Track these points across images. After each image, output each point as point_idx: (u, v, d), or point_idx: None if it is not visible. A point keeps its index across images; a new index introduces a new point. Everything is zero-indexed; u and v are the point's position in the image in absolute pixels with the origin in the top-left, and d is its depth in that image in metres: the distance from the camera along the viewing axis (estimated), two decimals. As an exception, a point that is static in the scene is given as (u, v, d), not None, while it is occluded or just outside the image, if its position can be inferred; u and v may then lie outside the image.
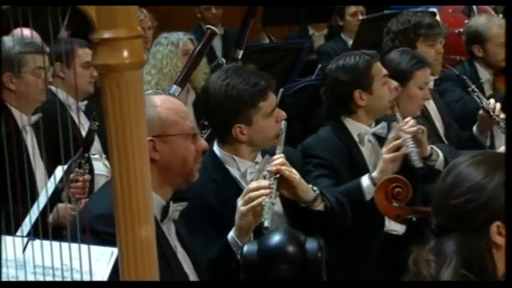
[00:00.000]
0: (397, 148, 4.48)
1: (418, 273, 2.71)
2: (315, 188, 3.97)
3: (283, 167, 3.84)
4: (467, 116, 5.84)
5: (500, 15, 7.02)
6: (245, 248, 2.35)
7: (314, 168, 4.56)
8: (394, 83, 4.83)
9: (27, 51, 4.74)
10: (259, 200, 3.63)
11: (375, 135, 4.75)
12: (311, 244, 2.29)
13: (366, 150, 4.74)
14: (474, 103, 5.74)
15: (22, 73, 4.77)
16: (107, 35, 1.91)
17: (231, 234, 3.65)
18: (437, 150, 4.65)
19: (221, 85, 3.99)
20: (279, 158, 3.89)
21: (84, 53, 5.38)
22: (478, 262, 2.63)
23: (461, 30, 6.74)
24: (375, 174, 4.43)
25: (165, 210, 3.40)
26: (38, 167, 4.63)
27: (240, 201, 3.65)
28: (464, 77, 5.97)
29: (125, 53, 1.92)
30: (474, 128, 5.72)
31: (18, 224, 3.58)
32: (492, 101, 5.63)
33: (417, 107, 5.21)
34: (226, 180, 4.00)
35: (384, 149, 4.50)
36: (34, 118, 4.80)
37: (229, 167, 4.04)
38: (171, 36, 6.25)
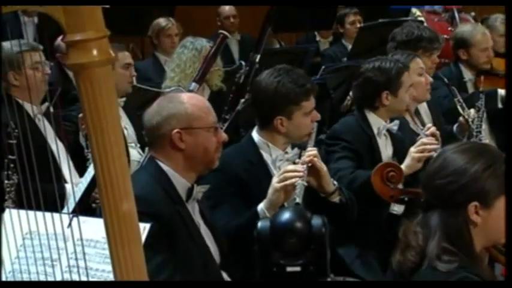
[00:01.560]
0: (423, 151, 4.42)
1: (407, 242, 2.71)
2: (335, 183, 4.00)
3: (315, 158, 3.87)
4: (452, 111, 5.80)
5: (479, 24, 6.85)
6: (259, 224, 2.34)
7: (340, 149, 4.63)
8: (414, 92, 4.90)
9: (24, 50, 4.70)
10: (293, 180, 3.68)
11: (388, 130, 4.77)
12: (316, 221, 2.29)
13: (381, 142, 4.74)
14: (450, 104, 5.84)
15: (22, 69, 4.75)
16: (77, 37, 1.87)
17: (261, 206, 3.72)
18: None
19: (273, 81, 4.05)
20: (313, 150, 3.93)
21: (123, 56, 5.45)
22: (457, 236, 2.63)
23: (445, 36, 6.68)
24: (402, 167, 4.33)
25: (189, 192, 3.42)
26: (55, 147, 4.60)
27: (275, 179, 3.72)
28: (453, 87, 5.91)
29: (94, 52, 1.88)
30: (454, 128, 5.72)
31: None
32: (472, 111, 5.63)
33: (426, 91, 5.21)
34: (259, 163, 4.03)
35: (413, 149, 4.46)
36: (43, 107, 4.79)
37: (263, 152, 4.07)
38: (196, 42, 6.25)
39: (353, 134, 4.70)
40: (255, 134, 4.10)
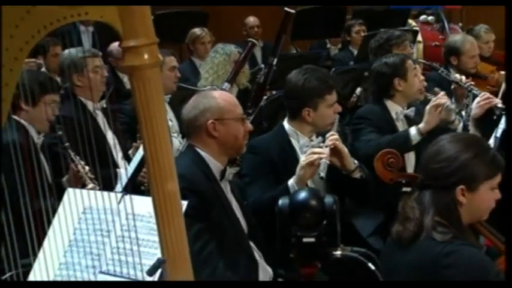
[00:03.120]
0: (438, 106, 4.51)
1: (406, 215, 2.71)
2: (355, 161, 4.01)
3: (337, 142, 3.89)
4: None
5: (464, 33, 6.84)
6: (280, 202, 2.33)
7: (366, 126, 4.67)
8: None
9: (87, 56, 4.80)
10: (317, 157, 3.72)
11: (405, 116, 4.77)
12: (328, 199, 2.29)
13: (400, 126, 4.73)
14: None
15: (85, 72, 4.79)
16: (131, 43, 1.88)
17: (291, 181, 3.75)
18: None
19: (301, 78, 4.09)
20: (334, 135, 3.96)
21: (170, 60, 5.46)
22: (447, 212, 2.65)
23: (437, 43, 6.63)
24: (421, 125, 4.50)
25: (223, 173, 3.44)
26: (110, 137, 4.67)
27: (302, 158, 3.77)
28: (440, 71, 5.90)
29: (146, 56, 1.89)
30: (452, 100, 5.52)
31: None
32: (458, 75, 5.63)
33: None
34: (289, 148, 4.05)
35: (430, 105, 4.57)
36: (101, 104, 4.86)
37: (292, 139, 4.10)
38: (226, 47, 6.26)
39: (376, 116, 4.72)
40: (285, 124, 4.12)
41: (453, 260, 2.54)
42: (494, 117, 4.80)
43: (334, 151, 3.89)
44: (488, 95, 5.05)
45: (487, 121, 4.89)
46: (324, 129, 4.09)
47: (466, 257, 2.55)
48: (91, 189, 3.84)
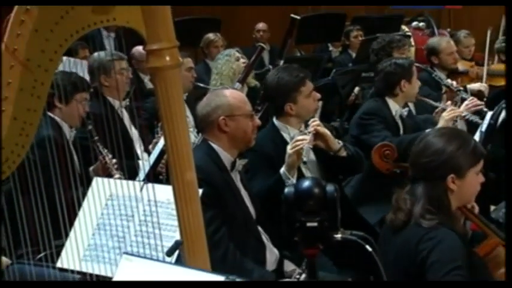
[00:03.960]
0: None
1: (398, 206, 2.71)
2: (340, 142, 3.99)
3: (318, 127, 3.88)
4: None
5: (448, 37, 6.81)
6: (285, 190, 2.33)
7: (377, 123, 4.61)
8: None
9: (114, 59, 4.79)
10: (301, 145, 3.70)
11: (401, 116, 4.75)
12: (330, 187, 2.27)
13: (399, 123, 4.72)
14: (435, 96, 5.68)
15: (112, 74, 4.79)
16: (154, 46, 1.87)
17: (282, 170, 3.71)
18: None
19: (274, 78, 4.03)
20: (315, 121, 3.94)
21: (187, 61, 5.43)
22: (437, 201, 2.65)
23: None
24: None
25: (233, 164, 3.43)
26: (133, 132, 4.68)
27: (288, 147, 3.73)
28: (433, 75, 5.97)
29: (167, 58, 1.91)
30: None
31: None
32: (449, 80, 5.69)
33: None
34: (281, 142, 3.95)
35: (447, 115, 4.61)
36: (125, 102, 4.90)
37: (283, 133, 4.02)
38: (225, 51, 6.26)
39: (384, 113, 4.68)
40: (275, 120, 4.07)
41: (429, 242, 2.54)
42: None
43: (318, 135, 3.87)
44: (475, 99, 5.08)
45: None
46: (310, 116, 4.02)
47: (440, 242, 2.54)
48: (117, 179, 3.88)
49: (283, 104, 3.97)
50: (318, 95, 4.10)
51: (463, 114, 4.67)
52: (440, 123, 4.51)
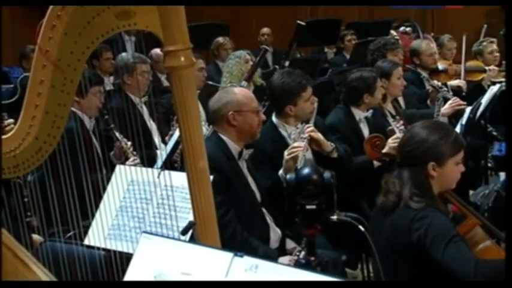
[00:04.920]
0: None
1: (388, 189, 2.70)
2: (332, 144, 3.98)
3: (312, 133, 3.87)
4: (419, 100, 5.74)
5: (428, 40, 6.81)
6: (288, 176, 2.33)
7: (337, 139, 4.36)
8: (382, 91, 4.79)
9: (137, 61, 4.81)
10: (296, 152, 3.65)
11: (366, 118, 4.62)
12: (327, 174, 2.28)
13: (363, 128, 4.58)
14: (422, 94, 5.81)
15: (134, 75, 4.78)
16: (171, 48, 1.87)
17: (280, 172, 3.67)
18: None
19: (280, 82, 4.02)
20: (310, 127, 3.92)
21: (198, 62, 5.43)
22: (421, 185, 2.64)
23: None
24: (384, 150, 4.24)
25: (240, 154, 3.42)
26: (151, 125, 4.67)
27: (286, 153, 3.67)
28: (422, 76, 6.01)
29: (182, 59, 1.90)
30: (428, 102, 5.67)
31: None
32: (435, 81, 5.67)
33: (399, 90, 5.10)
34: (279, 138, 3.96)
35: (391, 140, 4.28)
36: (144, 98, 4.88)
37: (281, 130, 4.01)
38: (237, 53, 6.20)
39: (343, 125, 4.55)
40: (274, 118, 4.05)
41: (422, 222, 2.54)
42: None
43: (312, 140, 3.88)
44: (458, 99, 5.09)
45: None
46: (306, 118, 4.01)
47: (433, 221, 2.54)
48: (133, 162, 3.90)
49: (284, 106, 3.97)
50: (315, 99, 4.09)
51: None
52: (387, 146, 4.13)
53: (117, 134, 4.05)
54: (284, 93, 3.97)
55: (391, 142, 4.04)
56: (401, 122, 4.62)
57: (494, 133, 5.47)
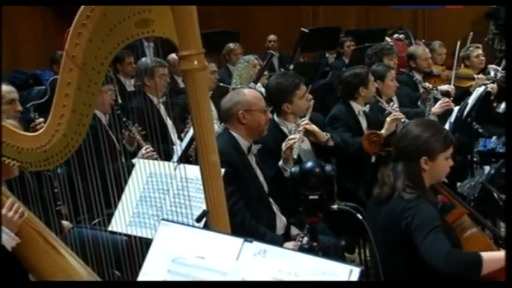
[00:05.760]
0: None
1: (383, 181, 2.68)
2: (327, 134, 3.98)
3: (307, 126, 3.87)
4: (411, 101, 5.72)
5: (423, 46, 6.74)
6: (292, 170, 2.30)
7: (340, 126, 4.45)
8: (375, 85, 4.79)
9: (156, 65, 4.80)
10: (292, 143, 3.66)
11: (364, 112, 4.62)
12: (328, 167, 2.25)
13: (362, 120, 4.57)
14: (414, 96, 5.79)
15: (154, 77, 4.79)
16: (185, 53, 1.85)
17: (280, 163, 3.67)
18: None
19: (275, 82, 4.02)
20: (304, 120, 3.91)
21: (211, 66, 5.42)
22: (414, 177, 2.62)
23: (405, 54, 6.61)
24: (383, 131, 4.33)
25: (249, 149, 3.40)
26: (168, 122, 4.67)
27: (283, 144, 3.67)
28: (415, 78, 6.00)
29: (195, 62, 1.91)
30: (419, 102, 5.70)
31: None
32: (427, 84, 5.70)
33: (392, 91, 5.09)
34: (281, 135, 3.90)
35: (389, 118, 4.45)
36: (162, 98, 4.85)
37: (282, 127, 3.99)
38: (246, 57, 6.19)
39: (345, 116, 4.56)
40: (275, 117, 4.03)
41: (411, 211, 2.52)
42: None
43: (308, 132, 3.88)
44: (447, 99, 5.11)
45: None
46: (303, 113, 3.98)
47: (420, 210, 2.52)
48: (146, 150, 3.92)
49: (281, 104, 3.96)
50: (310, 96, 4.07)
51: (402, 120, 4.46)
52: (385, 125, 4.38)
53: (129, 124, 4.08)
54: (280, 93, 3.95)
55: (389, 121, 4.14)
56: (395, 105, 4.67)
57: (480, 130, 5.46)
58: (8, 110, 3.52)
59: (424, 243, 2.42)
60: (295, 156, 3.64)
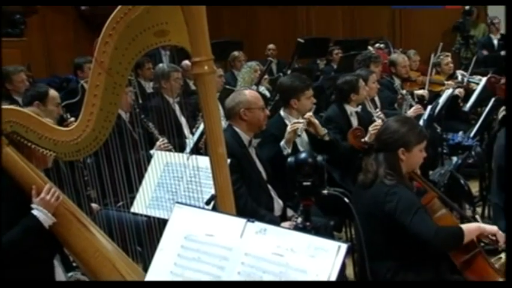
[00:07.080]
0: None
1: (367, 169, 2.65)
2: (325, 129, 3.96)
3: (311, 118, 3.87)
4: (389, 103, 5.69)
5: (403, 55, 6.70)
6: (288, 160, 2.27)
7: (333, 128, 4.34)
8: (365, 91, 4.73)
9: (171, 70, 4.78)
10: (297, 126, 3.70)
11: (356, 112, 4.59)
12: (319, 158, 2.23)
13: (353, 120, 4.54)
14: (392, 99, 5.78)
15: (169, 80, 4.75)
16: (197, 59, 1.84)
17: (282, 143, 3.68)
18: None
19: (288, 81, 4.01)
20: (309, 113, 3.90)
21: (218, 71, 5.43)
22: (393, 166, 2.59)
23: (385, 61, 6.69)
24: (366, 138, 4.24)
25: (250, 142, 3.38)
26: (182, 119, 4.63)
27: (288, 127, 3.70)
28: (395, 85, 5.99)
29: (206, 67, 1.90)
30: (396, 105, 5.70)
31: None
32: (404, 91, 5.73)
33: (375, 92, 5.08)
34: (283, 125, 3.86)
35: (371, 128, 4.26)
36: (177, 99, 4.85)
37: (286, 121, 3.92)
38: (249, 63, 6.19)
39: (338, 118, 4.51)
40: (281, 112, 4.02)
41: (393, 196, 2.51)
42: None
43: (310, 123, 3.86)
44: (420, 107, 5.13)
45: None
46: (306, 113, 3.95)
47: (402, 196, 2.51)
48: (161, 143, 3.87)
49: (290, 99, 3.93)
50: (314, 100, 4.05)
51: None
52: (368, 135, 4.08)
53: (146, 122, 4.05)
54: (291, 89, 3.93)
55: (371, 129, 4.09)
56: (379, 112, 4.66)
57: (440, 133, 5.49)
58: (53, 111, 3.63)
59: (412, 222, 2.44)
60: (299, 133, 3.67)
